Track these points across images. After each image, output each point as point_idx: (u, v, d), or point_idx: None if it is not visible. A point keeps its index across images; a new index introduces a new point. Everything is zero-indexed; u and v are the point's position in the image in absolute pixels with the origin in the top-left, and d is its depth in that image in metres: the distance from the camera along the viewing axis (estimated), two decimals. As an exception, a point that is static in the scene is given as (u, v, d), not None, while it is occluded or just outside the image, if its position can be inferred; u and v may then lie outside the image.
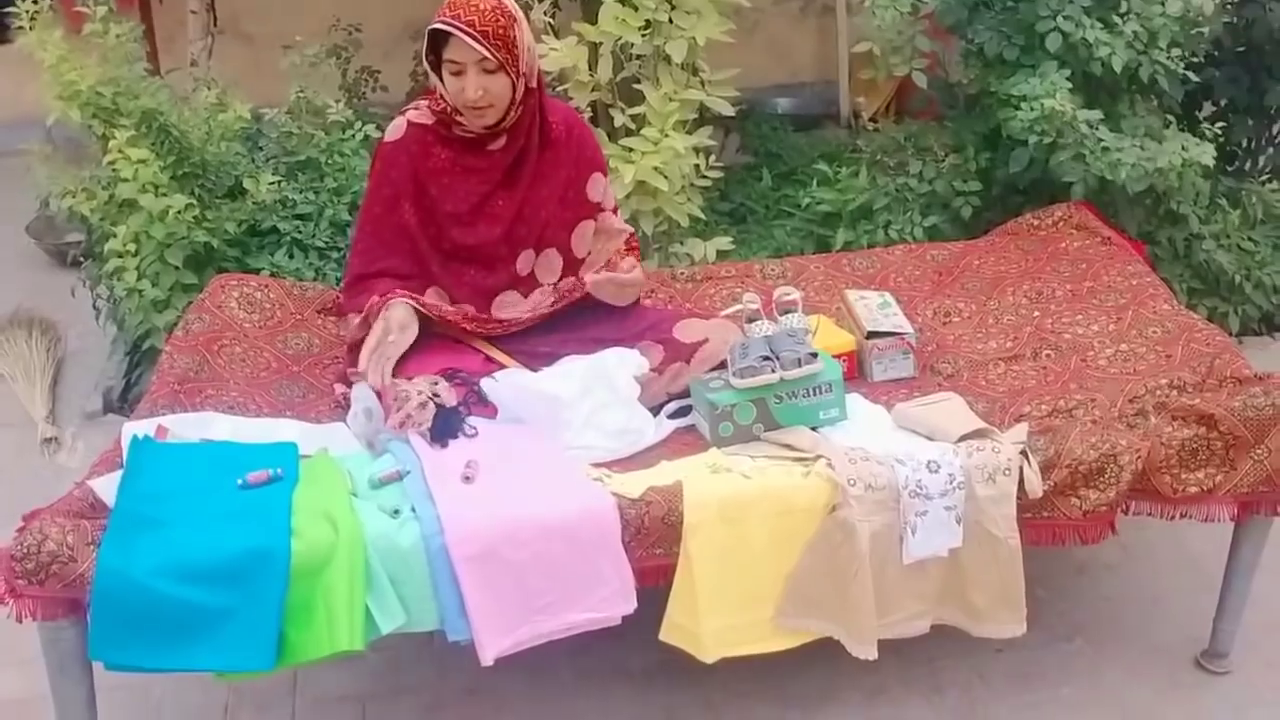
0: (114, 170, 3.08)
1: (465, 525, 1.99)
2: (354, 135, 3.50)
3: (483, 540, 1.99)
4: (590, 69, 3.32)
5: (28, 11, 3.12)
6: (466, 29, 2.21)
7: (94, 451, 2.36)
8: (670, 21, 3.27)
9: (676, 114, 3.29)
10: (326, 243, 3.33)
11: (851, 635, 2.14)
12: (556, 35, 3.32)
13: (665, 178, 3.25)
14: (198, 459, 2.12)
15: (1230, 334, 3.22)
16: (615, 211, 2.61)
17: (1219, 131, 3.26)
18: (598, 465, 2.18)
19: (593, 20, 3.30)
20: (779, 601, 2.13)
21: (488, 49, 2.23)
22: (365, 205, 2.46)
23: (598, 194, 2.53)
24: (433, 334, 2.39)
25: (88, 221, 3.25)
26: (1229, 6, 3.42)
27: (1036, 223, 3.01)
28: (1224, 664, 2.45)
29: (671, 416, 2.34)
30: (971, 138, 3.45)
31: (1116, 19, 3.14)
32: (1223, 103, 3.64)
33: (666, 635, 2.12)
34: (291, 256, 3.28)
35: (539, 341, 2.46)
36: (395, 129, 2.41)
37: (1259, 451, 2.22)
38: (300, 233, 3.32)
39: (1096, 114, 3.09)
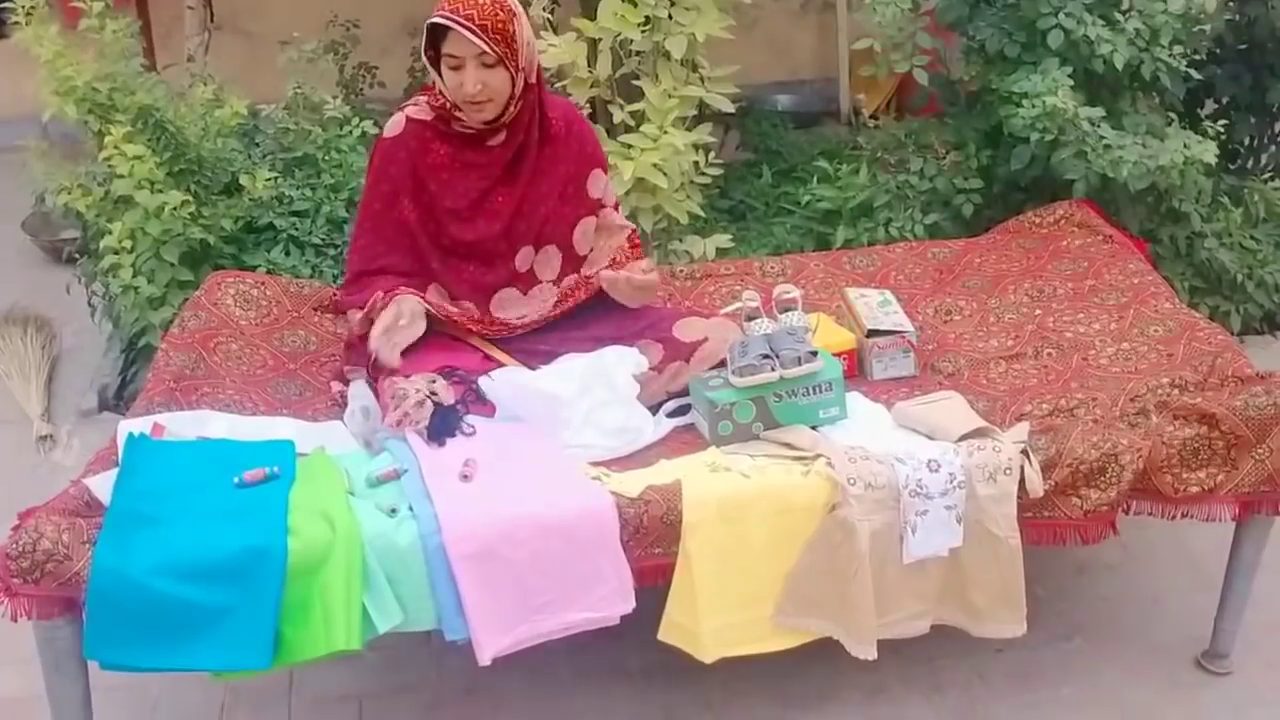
0: (110, 166, 3.07)
1: (463, 524, 1.98)
2: (351, 131, 3.50)
3: (481, 539, 1.98)
4: (589, 65, 3.31)
5: (24, 6, 3.11)
6: (465, 23, 2.20)
7: (89, 449, 2.35)
8: (670, 18, 3.26)
9: (676, 111, 3.28)
10: (323, 240, 3.32)
11: (851, 635, 2.14)
12: (555, 31, 3.31)
13: (664, 175, 3.24)
14: (194, 457, 2.11)
15: (1232, 333, 3.22)
16: (616, 208, 2.60)
17: (1221, 129, 3.25)
18: (596, 464, 2.18)
19: (592, 16, 3.29)
20: (778, 601, 2.12)
21: (486, 43, 2.22)
22: (364, 201, 2.45)
23: (598, 190, 2.52)
24: (431, 331, 2.38)
25: (83, 218, 3.24)
26: (1231, 4, 3.42)
27: (1038, 220, 3.00)
28: (1224, 664, 2.44)
29: (670, 415, 2.33)
30: (973, 135, 3.44)
31: (1118, 16, 3.13)
32: (1225, 100, 3.64)
33: (665, 635, 2.12)
34: (288, 253, 3.27)
35: (538, 340, 2.45)
36: (394, 125, 2.40)
37: (1260, 451, 2.21)
38: (297, 230, 3.31)
39: (1098, 111, 3.08)
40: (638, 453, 2.24)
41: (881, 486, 2.09)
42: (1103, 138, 3.05)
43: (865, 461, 2.11)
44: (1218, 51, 3.53)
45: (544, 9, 3.28)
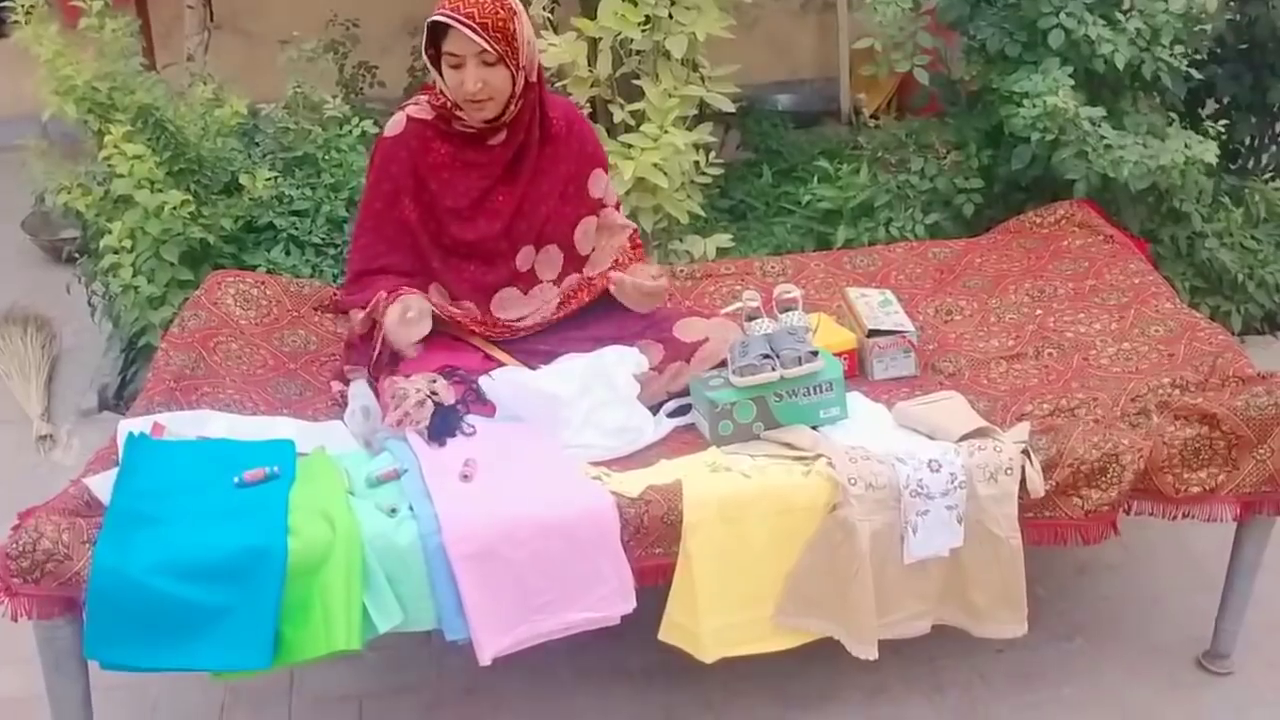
0: (110, 166, 3.07)
1: (463, 524, 1.98)
2: (351, 131, 3.49)
3: (481, 539, 1.98)
4: (589, 65, 3.31)
5: (23, 6, 3.11)
6: (466, 21, 2.20)
7: (89, 449, 2.35)
8: (670, 17, 3.25)
9: (676, 110, 3.28)
10: (323, 239, 3.31)
11: (851, 635, 2.13)
12: (555, 31, 3.31)
13: (665, 174, 3.23)
14: (194, 457, 2.11)
15: (1233, 333, 3.21)
16: (618, 207, 2.60)
17: (1222, 129, 3.25)
18: (596, 464, 2.17)
19: (592, 15, 3.29)
20: (779, 601, 2.12)
21: (487, 41, 2.21)
22: (365, 201, 2.45)
23: (599, 190, 2.52)
24: (433, 331, 2.37)
25: (83, 217, 3.24)
26: (1232, 4, 3.41)
27: (1038, 220, 3.00)
28: (1225, 664, 2.44)
29: (671, 415, 2.33)
30: (973, 135, 3.44)
31: (1119, 16, 3.13)
32: (1225, 100, 3.64)
33: (666, 635, 2.11)
34: (288, 253, 3.27)
35: (538, 340, 2.45)
36: (395, 124, 2.40)
37: (1261, 451, 2.21)
38: (297, 229, 3.31)
39: (1099, 111, 3.08)
40: (638, 453, 2.23)
41: (882, 486, 2.09)
42: (1103, 137, 3.04)
43: (866, 461, 2.11)
44: (1218, 51, 3.53)
45: (544, 8, 3.27)
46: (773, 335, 2.30)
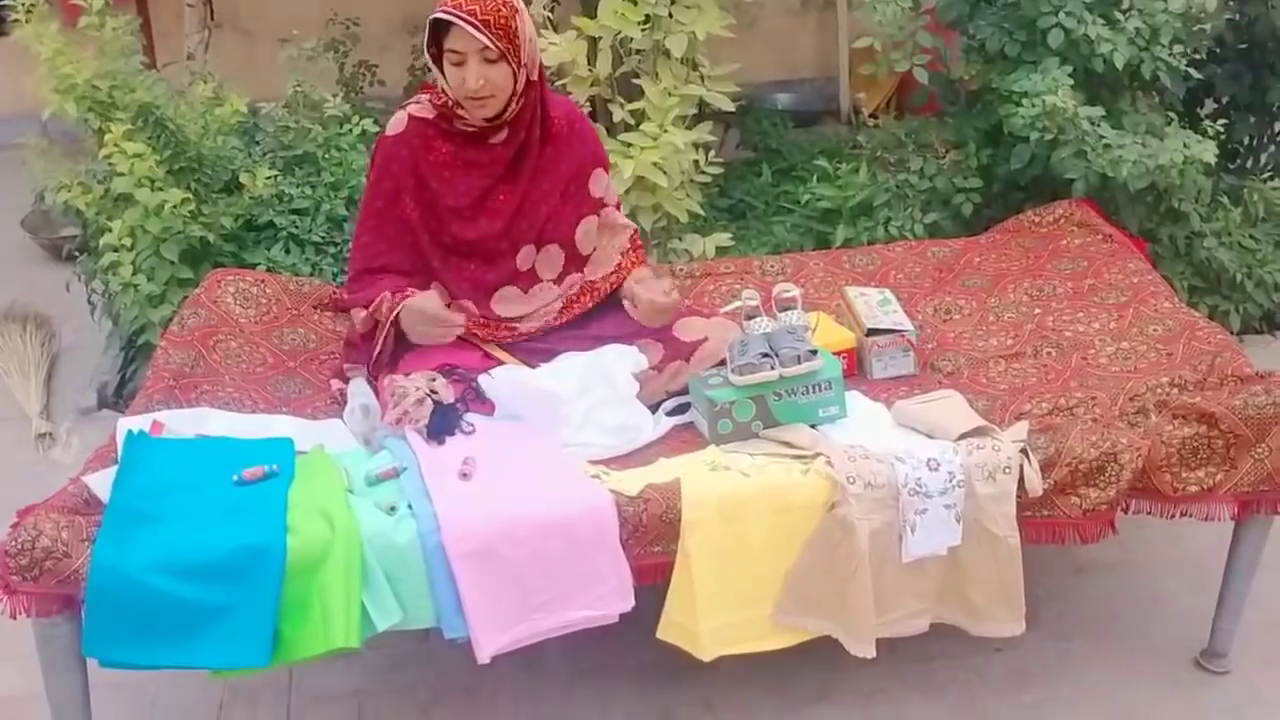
0: (110, 164, 3.07)
1: (462, 522, 1.98)
2: (351, 130, 3.50)
3: (480, 538, 1.98)
4: (589, 64, 3.31)
5: (24, 4, 3.11)
6: (468, 18, 2.21)
7: (89, 447, 2.35)
8: (670, 16, 3.26)
9: (676, 109, 3.28)
10: (323, 238, 3.32)
11: (850, 633, 2.14)
12: (555, 30, 3.31)
13: (664, 173, 3.24)
14: (193, 455, 2.11)
15: (1231, 332, 3.22)
16: (618, 207, 2.60)
17: (1221, 129, 3.25)
18: (595, 462, 2.17)
19: (592, 15, 3.29)
20: (777, 599, 2.12)
21: (489, 38, 2.21)
22: (366, 200, 2.45)
23: (600, 189, 2.52)
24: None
25: (83, 216, 3.24)
26: (1231, 3, 3.41)
27: (1037, 220, 3.00)
28: (1223, 663, 2.44)
29: (670, 414, 2.33)
30: (972, 134, 3.44)
31: (1118, 15, 3.13)
32: (1224, 100, 3.64)
33: (664, 633, 2.12)
34: (288, 251, 3.27)
35: (538, 338, 2.45)
36: (396, 123, 2.40)
37: (1260, 450, 2.21)
38: (297, 228, 3.31)
39: (1098, 111, 3.08)
40: (637, 451, 2.23)
41: (881, 485, 2.09)
42: (1102, 137, 3.05)
43: (865, 460, 2.11)
44: (1218, 51, 3.53)
45: (544, 7, 3.28)
46: (772, 334, 2.31)
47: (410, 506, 2.01)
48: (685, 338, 2.39)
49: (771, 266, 2.87)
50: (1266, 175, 3.73)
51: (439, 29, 2.26)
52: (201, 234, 3.14)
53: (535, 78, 2.35)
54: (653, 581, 2.09)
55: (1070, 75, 3.07)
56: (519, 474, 2.10)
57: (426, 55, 2.31)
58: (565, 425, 2.21)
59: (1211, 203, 3.48)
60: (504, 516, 2.00)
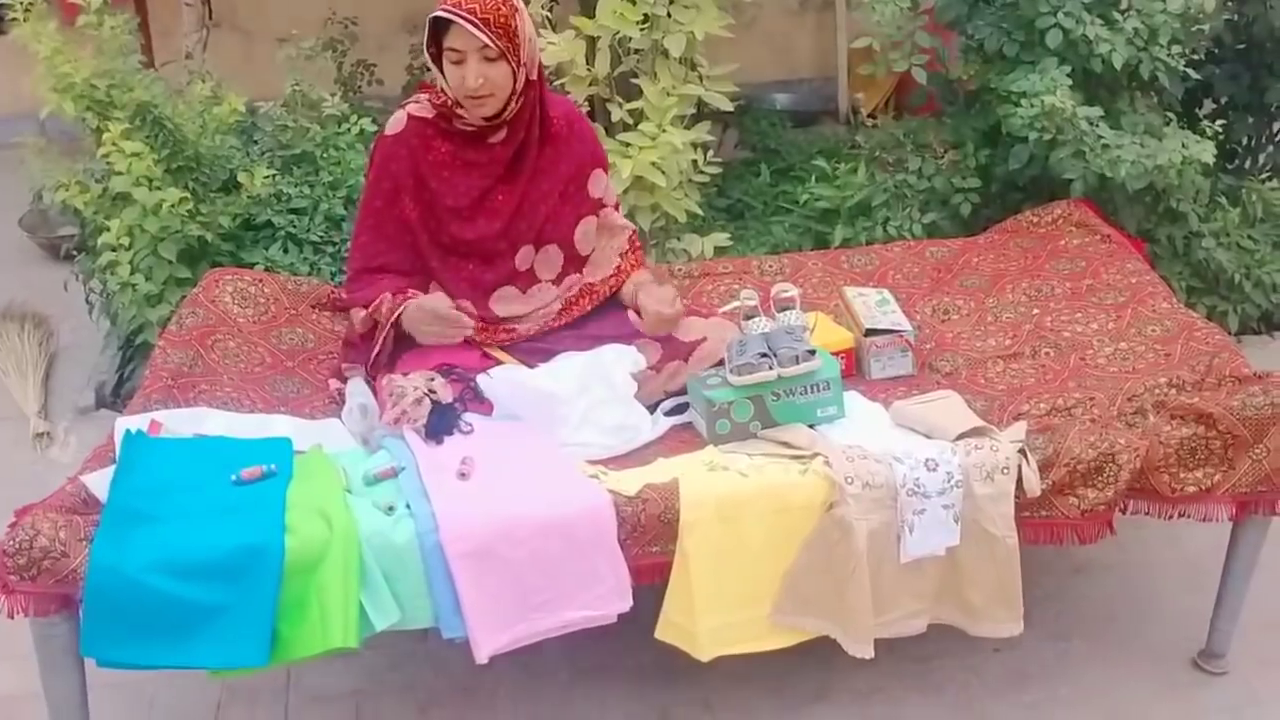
0: (108, 163, 3.07)
1: (460, 522, 1.98)
2: (349, 129, 3.49)
3: (478, 537, 1.98)
4: (588, 63, 3.31)
5: (22, 3, 3.11)
6: (468, 16, 2.21)
7: (86, 447, 2.35)
8: (669, 16, 3.26)
9: (674, 109, 3.28)
10: (321, 237, 3.31)
11: (848, 634, 2.14)
12: (554, 29, 3.31)
13: (663, 173, 3.24)
14: (191, 454, 2.11)
15: (1229, 333, 3.21)
16: (617, 208, 2.60)
17: (1219, 129, 3.25)
18: (594, 462, 2.17)
19: (591, 14, 3.29)
20: (775, 599, 2.12)
21: (489, 36, 2.21)
22: (365, 199, 2.45)
23: (599, 190, 2.52)
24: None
25: (81, 215, 3.24)
26: (1229, 4, 3.41)
27: (1036, 220, 3.00)
28: (1221, 664, 2.45)
29: (668, 414, 2.33)
30: (971, 134, 3.44)
31: (1117, 15, 3.13)
32: (1223, 100, 3.64)
33: (662, 633, 2.12)
34: (286, 251, 3.27)
35: (536, 338, 2.45)
36: (396, 122, 2.40)
37: (1258, 451, 2.21)
38: (295, 227, 3.31)
39: (1096, 111, 3.08)
40: (635, 451, 2.23)
41: (879, 485, 2.09)
42: (1101, 137, 3.05)
43: (863, 460, 2.11)
44: (1216, 51, 3.53)
45: (543, 6, 3.28)
46: (770, 334, 2.31)
47: (408, 506, 2.01)
48: (684, 338, 2.39)
49: (770, 266, 2.87)
50: (1265, 176, 3.73)
51: (438, 27, 2.26)
52: (199, 233, 3.14)
53: (534, 77, 2.35)
54: (651, 581, 2.09)
55: (1069, 75, 3.07)
56: (517, 474, 2.10)
57: (426, 54, 2.31)
58: (563, 425, 2.21)
59: (1210, 203, 3.48)
60: (502, 516, 2.00)
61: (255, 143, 3.52)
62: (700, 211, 3.50)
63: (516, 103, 2.33)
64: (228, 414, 2.26)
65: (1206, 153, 3.08)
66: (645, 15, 3.22)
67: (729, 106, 3.45)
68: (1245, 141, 3.76)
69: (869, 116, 4.38)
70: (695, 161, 3.40)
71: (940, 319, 2.70)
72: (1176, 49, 3.13)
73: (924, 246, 2.97)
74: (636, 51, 3.34)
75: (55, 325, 3.70)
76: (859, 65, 3.93)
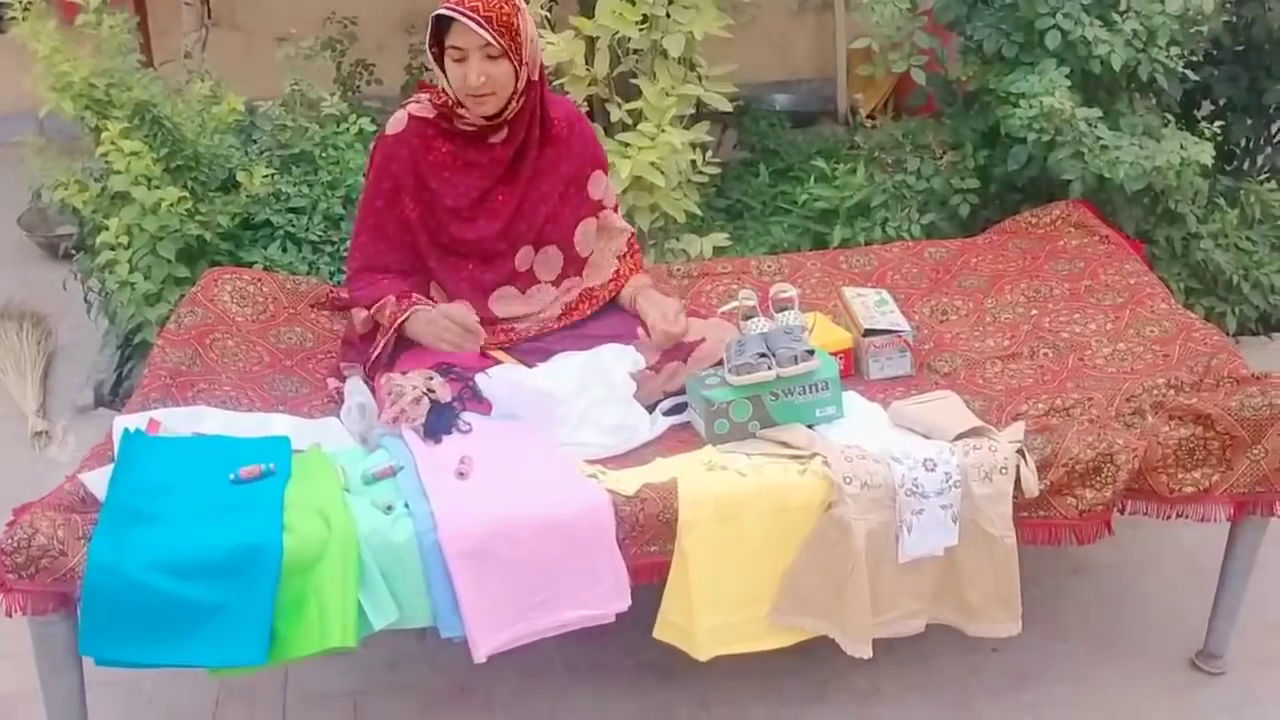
0: (106, 162, 3.07)
1: (459, 521, 1.98)
2: (348, 129, 3.49)
3: (476, 536, 1.98)
4: (587, 63, 3.31)
5: (21, 2, 3.11)
6: (471, 14, 2.21)
7: (85, 445, 2.35)
8: (668, 16, 3.26)
9: (673, 109, 3.28)
10: (320, 236, 3.31)
11: (846, 634, 2.14)
12: (553, 29, 3.31)
13: (662, 173, 3.24)
14: (190, 453, 2.11)
15: (1227, 334, 3.22)
16: (616, 209, 2.60)
17: (1217, 130, 3.25)
18: (592, 462, 2.17)
19: (590, 14, 3.29)
20: (774, 599, 2.12)
21: (491, 34, 2.22)
22: (366, 198, 2.45)
23: (599, 191, 2.52)
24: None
25: (80, 214, 3.24)
26: (1228, 5, 3.41)
27: (1034, 221, 3.00)
28: (1219, 664, 2.45)
29: (667, 414, 2.33)
30: (970, 135, 3.44)
31: (1116, 17, 3.13)
32: (1221, 102, 3.64)
33: (660, 633, 2.12)
34: (285, 250, 3.27)
35: (535, 338, 2.45)
36: (396, 122, 2.40)
37: (1256, 451, 2.21)
38: (294, 226, 3.30)
39: (1095, 112, 3.08)
40: (634, 451, 2.23)
41: (878, 485, 2.09)
42: (1099, 138, 3.05)
43: (861, 460, 2.11)
44: (1215, 53, 3.53)
45: (542, 6, 3.28)
46: (769, 334, 2.31)
47: (407, 505, 2.01)
48: (683, 338, 2.39)
49: (769, 267, 2.87)
50: (1263, 177, 3.73)
51: (441, 26, 2.26)
52: (198, 232, 3.14)
53: (536, 78, 2.36)
54: (649, 581, 2.09)
55: (1067, 76, 3.08)
56: (516, 473, 2.10)
57: (429, 53, 2.31)
58: (562, 425, 2.21)
59: (1208, 204, 3.48)
60: (501, 516, 2.00)
61: (254, 142, 3.52)
62: (699, 212, 3.50)
63: (518, 102, 2.33)
64: (226, 413, 2.26)
65: (1205, 154, 3.08)
66: (644, 15, 3.23)
67: (728, 107, 3.45)
68: (1244, 143, 3.76)
69: (868, 117, 4.38)
70: (694, 162, 3.40)
71: (939, 319, 2.70)
72: (1175, 50, 3.13)
73: (922, 247, 2.98)
74: (635, 51, 3.34)
75: (54, 324, 3.69)
76: (858, 66, 3.93)
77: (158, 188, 3.07)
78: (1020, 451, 2.15)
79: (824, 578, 2.10)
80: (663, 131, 3.24)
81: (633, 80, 3.37)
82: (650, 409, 2.33)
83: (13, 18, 3.12)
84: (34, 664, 2.00)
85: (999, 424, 2.26)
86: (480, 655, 1.99)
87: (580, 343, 2.38)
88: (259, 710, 2.39)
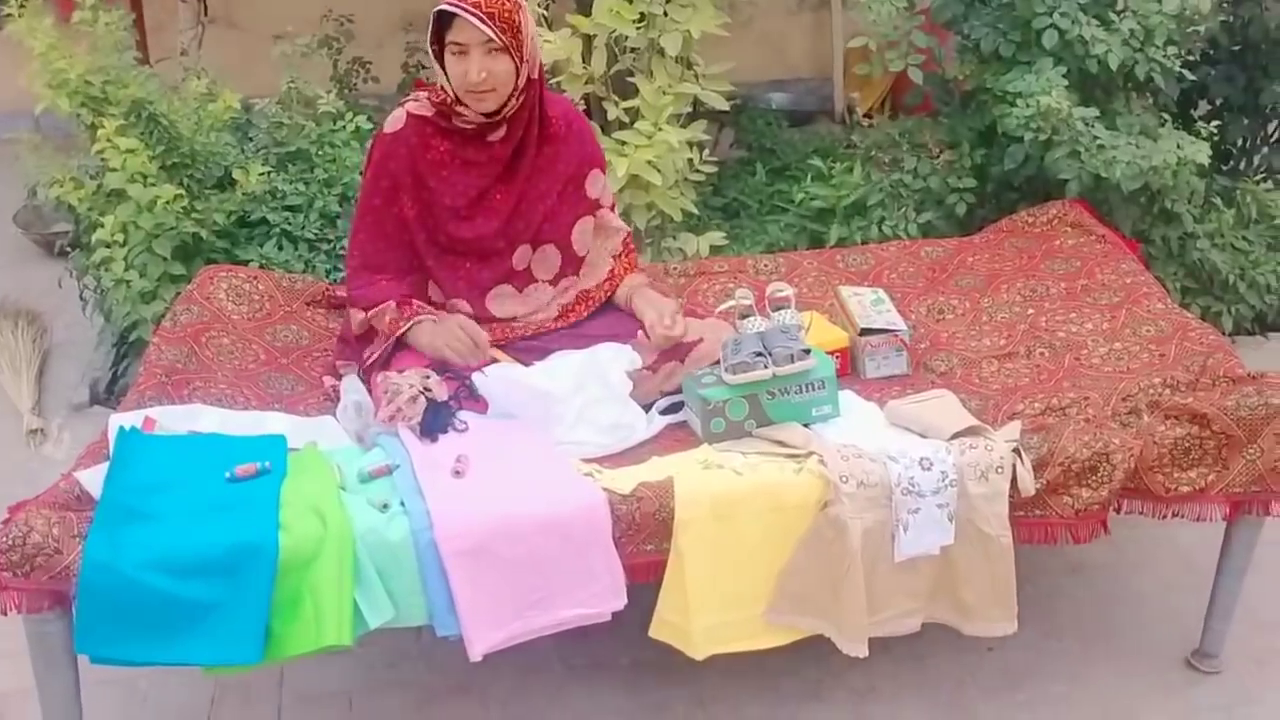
0: (102, 160, 3.06)
1: (455, 520, 1.98)
2: (345, 126, 3.49)
3: (473, 535, 1.98)
4: (584, 62, 3.31)
5: (17, -1, 3.10)
6: (472, 10, 2.21)
7: (80, 443, 2.35)
8: (665, 15, 3.26)
9: (670, 108, 3.28)
10: (316, 234, 3.31)
11: (842, 633, 2.14)
12: (550, 27, 3.31)
13: (659, 172, 3.24)
14: (185, 451, 2.10)
15: (1224, 333, 3.23)
16: (613, 209, 2.60)
17: (1214, 130, 3.26)
18: (588, 461, 2.17)
19: (587, 12, 3.29)
20: (770, 598, 2.12)
21: (493, 30, 2.22)
22: (364, 196, 2.44)
23: (596, 190, 2.52)
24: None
25: (75, 211, 3.23)
26: (1225, 5, 3.42)
27: (1031, 220, 3.00)
28: (1214, 663, 2.45)
29: (663, 413, 2.33)
30: (967, 134, 3.44)
31: (1113, 16, 3.14)
32: (1218, 101, 3.65)
33: (656, 632, 2.12)
34: (281, 248, 3.26)
35: (532, 337, 2.45)
36: (395, 120, 2.40)
37: (1251, 451, 2.22)
38: (290, 224, 3.30)
39: (1092, 111, 3.08)
40: (630, 450, 2.23)
41: (874, 484, 2.09)
42: (1096, 138, 3.05)
43: (857, 459, 2.11)
44: (1211, 52, 3.54)
45: (540, 4, 3.27)
46: (765, 333, 2.31)
47: (403, 504, 2.00)
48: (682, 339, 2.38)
49: (765, 266, 2.87)
50: (1259, 177, 3.74)
51: (442, 22, 2.26)
52: (194, 230, 3.13)
53: (535, 76, 2.35)
54: (645, 580, 2.09)
55: (1064, 76, 3.08)
56: (512, 472, 2.10)
57: (429, 50, 2.31)
58: (559, 423, 2.21)
59: (1204, 204, 3.49)
60: (497, 514, 2.00)
61: (250, 140, 3.52)
62: (696, 210, 3.50)
63: (517, 99, 2.33)
64: (222, 411, 2.26)
65: (1201, 154, 3.08)
66: (641, 14, 3.22)
67: (725, 105, 3.45)
68: (1240, 143, 3.77)
69: (865, 116, 4.39)
70: (691, 160, 3.40)
71: (935, 318, 2.70)
72: (1172, 50, 3.14)
73: (919, 246, 2.98)
74: (633, 50, 3.34)
75: (49, 322, 3.69)
76: (855, 65, 3.93)
77: (153, 185, 3.06)
78: (1016, 451, 2.15)
79: (820, 577, 2.10)
80: (660, 130, 3.24)
81: (630, 79, 3.37)
82: (647, 408, 2.33)
83: (9, 14, 3.12)
84: (29, 662, 1.99)
85: (995, 423, 2.27)
86: (476, 654, 1.99)
87: (578, 342, 2.38)
88: (254, 709, 2.39)
